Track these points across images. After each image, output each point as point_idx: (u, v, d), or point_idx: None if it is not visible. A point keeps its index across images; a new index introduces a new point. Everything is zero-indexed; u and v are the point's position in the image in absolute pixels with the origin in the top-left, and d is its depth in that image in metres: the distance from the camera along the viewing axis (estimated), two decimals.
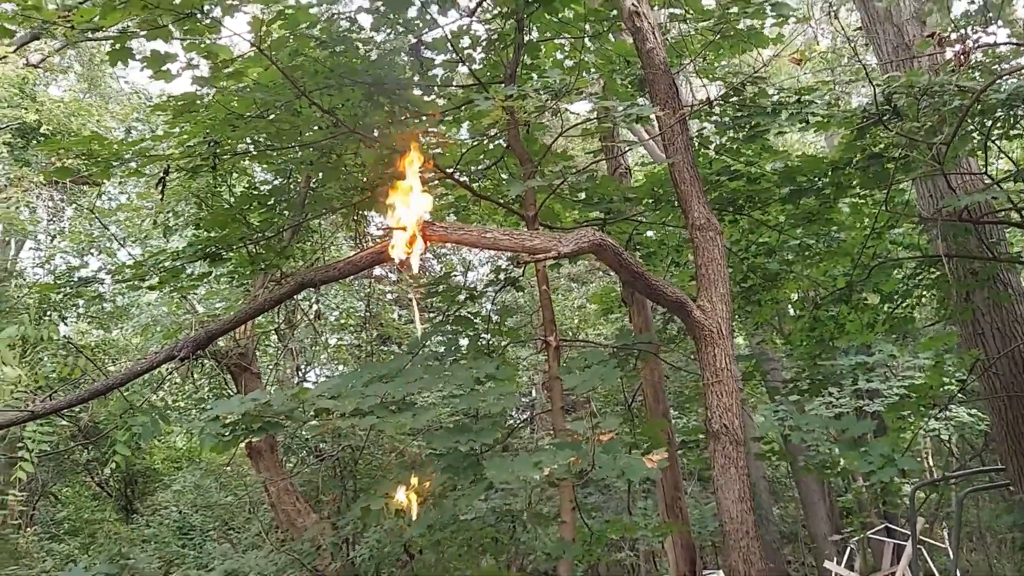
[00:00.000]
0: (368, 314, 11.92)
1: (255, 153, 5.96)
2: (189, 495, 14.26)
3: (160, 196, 5.46)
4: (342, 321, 13.91)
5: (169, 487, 15.58)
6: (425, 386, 5.13)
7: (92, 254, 12.74)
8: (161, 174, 5.30)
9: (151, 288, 6.40)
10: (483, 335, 6.87)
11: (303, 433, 10.61)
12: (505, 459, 5.04)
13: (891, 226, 7.89)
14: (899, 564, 15.39)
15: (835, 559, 16.32)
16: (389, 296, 15.35)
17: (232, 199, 6.59)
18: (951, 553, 11.59)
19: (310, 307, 11.78)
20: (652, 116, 6.00)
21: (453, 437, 5.18)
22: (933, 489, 10.57)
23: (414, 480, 4.63)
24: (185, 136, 5.49)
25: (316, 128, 6.19)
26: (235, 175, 6.98)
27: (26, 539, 12.64)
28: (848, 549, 16.27)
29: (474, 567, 6.88)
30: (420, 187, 4.95)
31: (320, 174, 6.87)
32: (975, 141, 6.86)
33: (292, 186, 6.95)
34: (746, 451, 5.76)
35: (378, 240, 5.51)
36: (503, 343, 6.45)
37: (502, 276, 6.81)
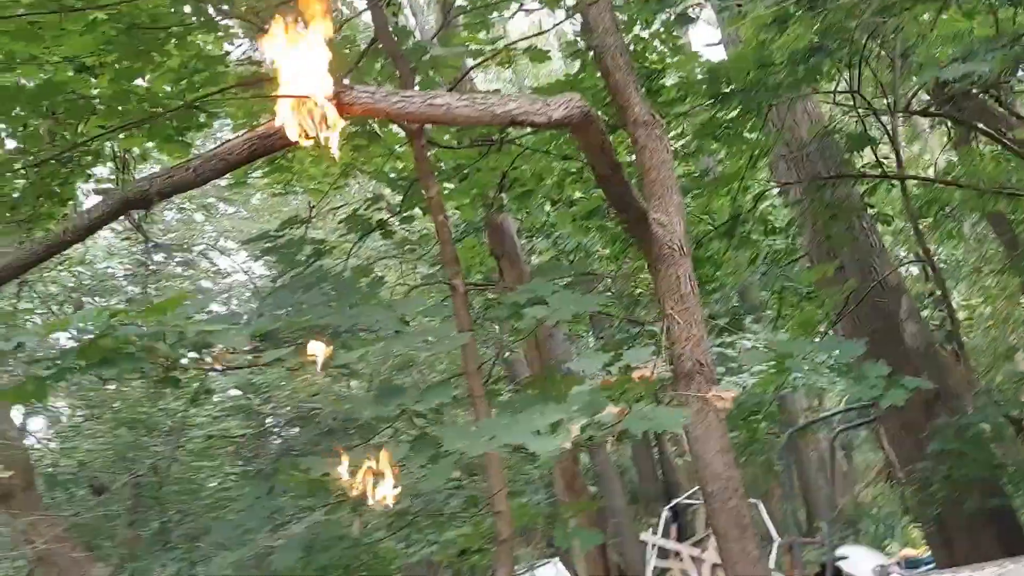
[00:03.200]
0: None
1: None
2: None
3: None
4: None
5: None
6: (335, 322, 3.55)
7: None
8: None
9: None
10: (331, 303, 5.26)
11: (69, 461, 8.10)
12: (468, 426, 3.58)
13: (765, 153, 7.39)
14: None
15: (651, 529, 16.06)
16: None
17: None
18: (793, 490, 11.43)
19: None
20: None
21: (385, 400, 3.62)
22: (804, 432, 10.43)
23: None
24: None
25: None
26: None
27: None
28: (663, 516, 16.08)
29: None
30: (319, 38, 3.38)
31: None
32: None
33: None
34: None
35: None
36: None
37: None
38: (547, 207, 8.20)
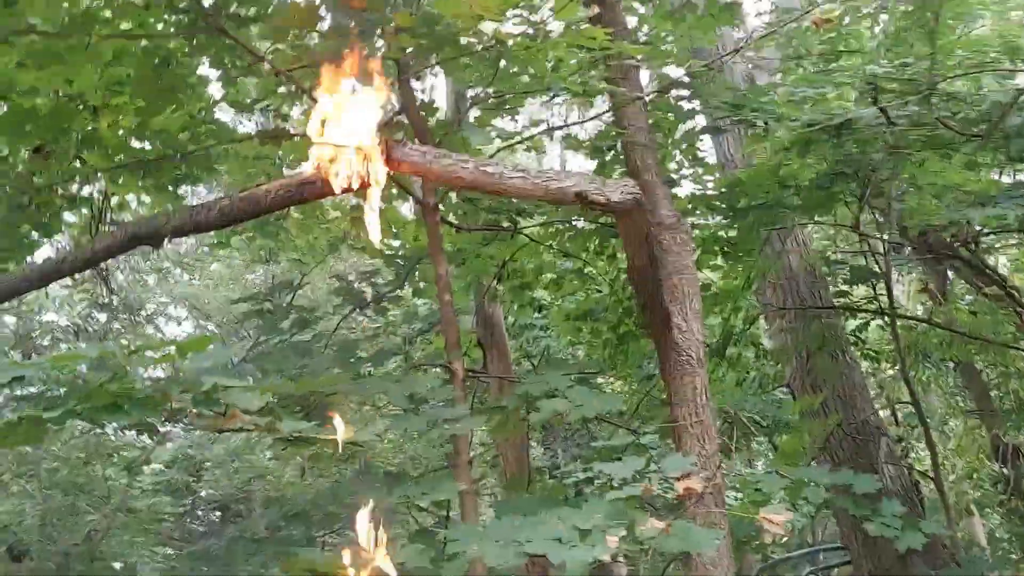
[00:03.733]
0: None
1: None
2: None
3: None
4: None
5: None
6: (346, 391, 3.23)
7: None
8: None
9: None
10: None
11: None
12: (477, 527, 3.23)
13: (762, 275, 7.37)
14: None
15: None
16: None
17: None
18: None
19: None
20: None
21: (386, 488, 3.26)
22: (773, 572, 10.05)
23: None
24: None
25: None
26: None
27: None
28: None
29: None
30: (371, 90, 3.21)
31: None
32: None
33: None
34: None
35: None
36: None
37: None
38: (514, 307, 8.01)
